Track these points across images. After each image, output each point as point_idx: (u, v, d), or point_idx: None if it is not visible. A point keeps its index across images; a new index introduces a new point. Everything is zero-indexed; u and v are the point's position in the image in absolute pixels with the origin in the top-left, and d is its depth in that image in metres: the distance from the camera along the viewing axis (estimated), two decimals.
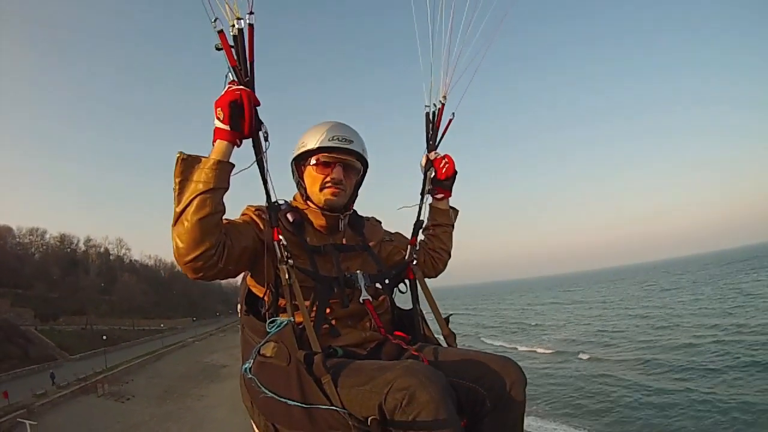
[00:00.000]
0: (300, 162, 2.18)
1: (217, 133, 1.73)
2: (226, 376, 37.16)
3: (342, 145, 2.09)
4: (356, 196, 2.30)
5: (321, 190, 2.10)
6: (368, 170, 2.31)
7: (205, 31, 1.75)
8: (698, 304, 50.48)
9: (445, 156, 2.41)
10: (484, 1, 2.25)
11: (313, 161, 2.11)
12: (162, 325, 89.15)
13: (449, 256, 2.55)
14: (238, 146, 1.78)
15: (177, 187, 1.68)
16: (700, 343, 29.50)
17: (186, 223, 1.67)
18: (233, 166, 1.77)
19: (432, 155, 2.42)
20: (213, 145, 1.75)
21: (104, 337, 62.14)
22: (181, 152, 1.69)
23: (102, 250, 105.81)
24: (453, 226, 2.56)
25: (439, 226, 2.49)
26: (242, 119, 1.71)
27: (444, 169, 2.39)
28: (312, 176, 2.13)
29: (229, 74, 1.77)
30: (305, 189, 2.18)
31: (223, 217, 1.82)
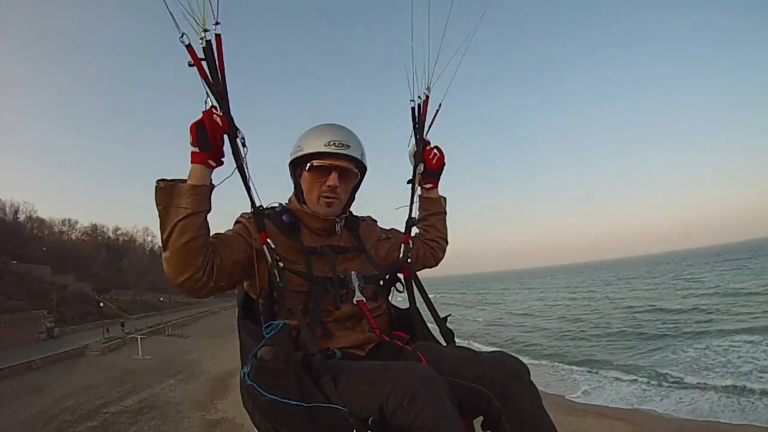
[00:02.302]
0: (296, 165, 2.09)
1: (192, 157, 1.70)
2: None
3: (339, 151, 1.99)
4: (353, 200, 2.23)
5: (318, 199, 2.03)
6: (366, 174, 2.21)
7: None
8: (640, 288, 56.61)
9: (435, 147, 2.35)
10: None
11: (309, 166, 2.01)
12: None
13: (447, 242, 2.51)
14: (214, 167, 1.74)
15: (160, 215, 1.67)
16: (609, 315, 34.76)
17: (171, 249, 1.66)
18: (212, 187, 1.75)
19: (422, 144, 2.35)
20: None
21: (161, 299, 74.66)
22: (158, 180, 1.68)
23: (128, 238, 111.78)
24: (445, 212, 2.50)
25: (433, 214, 2.45)
26: (210, 140, 1.68)
27: (434, 160, 2.33)
28: (308, 182, 2.04)
29: (209, 99, 1.73)
30: (302, 192, 2.09)
31: (212, 233, 1.81)
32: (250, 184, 1.87)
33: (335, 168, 2.02)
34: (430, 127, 2.38)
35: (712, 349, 20.38)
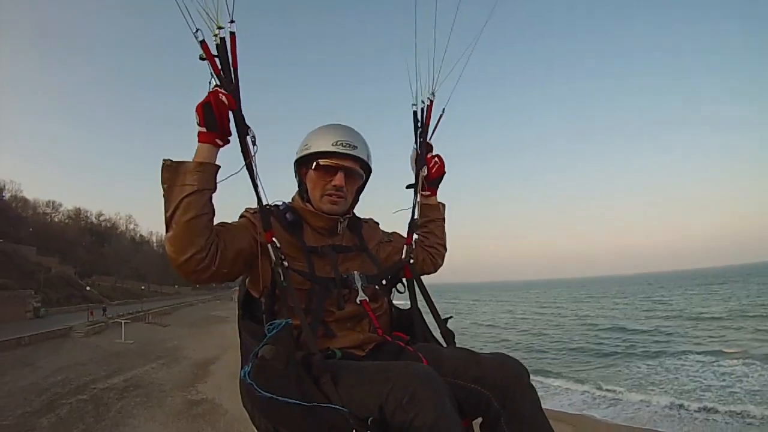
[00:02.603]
0: (302, 163, 2.10)
1: (198, 137, 1.71)
2: (229, 321, 42.63)
3: (346, 151, 2.00)
4: (357, 201, 2.23)
5: (321, 197, 2.03)
6: (371, 176, 2.20)
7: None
8: (607, 307, 59.55)
9: (437, 155, 2.38)
10: None
11: (315, 165, 2.01)
12: (176, 286, 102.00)
13: (445, 249, 2.52)
14: (221, 146, 1.74)
15: (164, 194, 1.65)
16: (572, 330, 37.34)
17: (175, 227, 1.63)
18: (218, 167, 1.73)
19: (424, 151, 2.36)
20: None
21: (143, 288, 75.12)
22: (165, 159, 1.66)
23: (110, 225, 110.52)
24: (444, 219, 2.51)
25: (432, 221, 2.45)
26: (216, 119, 1.67)
27: (434, 168, 2.36)
28: (313, 180, 2.04)
29: (212, 80, 1.72)
30: (306, 191, 2.09)
31: (219, 221, 1.81)
32: (258, 182, 1.86)
33: (341, 168, 2.02)
34: (433, 132, 2.40)
35: (664, 367, 21.53)
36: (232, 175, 1.77)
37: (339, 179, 2.02)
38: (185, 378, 17.61)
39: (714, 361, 21.56)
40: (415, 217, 2.39)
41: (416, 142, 2.39)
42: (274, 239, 1.87)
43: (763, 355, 21.12)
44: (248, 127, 1.79)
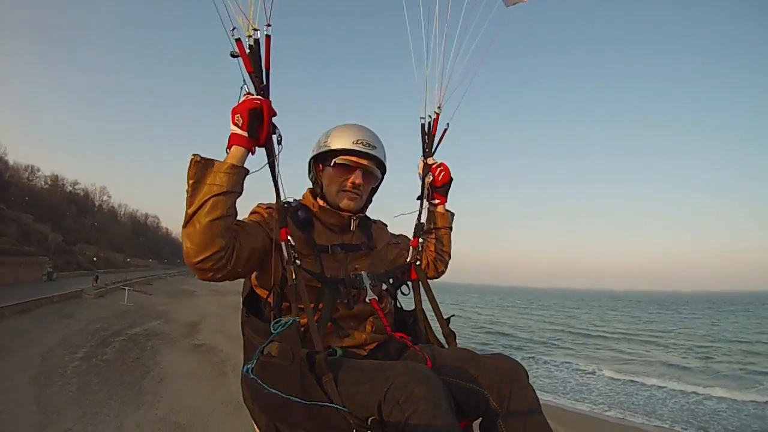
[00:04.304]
0: (319, 161, 2.07)
1: (234, 139, 1.65)
2: (198, 295, 46.61)
3: (365, 150, 1.99)
4: (370, 201, 2.21)
5: (338, 193, 2.02)
6: (385, 178, 2.20)
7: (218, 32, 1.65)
8: (516, 315, 62.52)
9: (441, 164, 2.38)
10: (478, 16, 2.19)
11: (333, 162, 2.00)
12: (151, 260, 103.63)
13: (450, 257, 2.49)
14: (253, 153, 1.69)
15: (190, 189, 1.58)
16: (469, 330, 39.21)
17: (197, 225, 1.56)
18: (248, 171, 1.68)
19: (429, 160, 2.38)
20: (227, 150, 1.66)
21: (128, 260, 77.41)
22: (195, 155, 1.59)
23: (82, 194, 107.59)
24: (451, 228, 2.48)
25: (438, 229, 2.43)
26: (260, 128, 1.64)
27: (440, 176, 2.36)
28: (330, 177, 2.03)
29: (245, 86, 1.70)
30: (321, 188, 2.06)
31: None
32: (279, 181, 1.80)
33: (360, 166, 2.01)
34: (438, 144, 2.39)
35: (536, 362, 23.84)
36: (255, 171, 1.73)
37: (357, 177, 2.00)
38: (184, 332, 20.39)
39: (572, 363, 23.69)
40: (422, 221, 2.37)
41: (423, 152, 2.41)
42: (289, 237, 1.80)
43: (612, 369, 22.25)
44: (275, 127, 1.73)
